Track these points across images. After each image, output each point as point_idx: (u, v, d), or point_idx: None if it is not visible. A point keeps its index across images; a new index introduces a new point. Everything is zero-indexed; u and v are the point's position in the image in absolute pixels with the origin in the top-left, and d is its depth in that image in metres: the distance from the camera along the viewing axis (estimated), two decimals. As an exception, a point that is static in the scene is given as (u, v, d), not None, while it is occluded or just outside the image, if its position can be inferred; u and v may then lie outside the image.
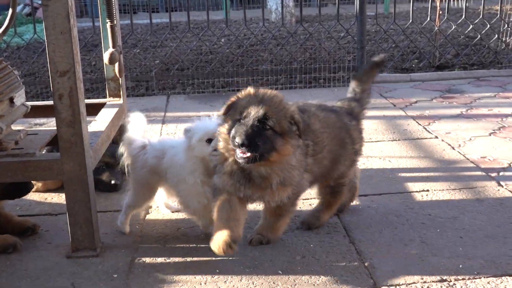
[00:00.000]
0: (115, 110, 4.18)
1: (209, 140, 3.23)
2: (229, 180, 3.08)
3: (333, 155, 3.40)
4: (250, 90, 3.05)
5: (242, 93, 3.06)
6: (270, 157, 2.94)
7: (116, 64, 4.16)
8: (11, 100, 3.43)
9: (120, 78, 4.40)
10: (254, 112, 2.91)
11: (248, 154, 2.88)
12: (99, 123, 3.91)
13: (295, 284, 2.98)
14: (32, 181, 3.63)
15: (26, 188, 3.55)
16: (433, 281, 2.97)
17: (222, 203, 3.09)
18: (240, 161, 2.93)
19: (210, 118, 3.40)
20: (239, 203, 3.13)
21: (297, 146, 3.05)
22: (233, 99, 3.07)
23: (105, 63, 4.24)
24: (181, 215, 3.77)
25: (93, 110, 4.21)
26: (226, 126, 3.03)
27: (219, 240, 2.96)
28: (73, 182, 3.20)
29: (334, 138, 3.40)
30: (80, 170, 3.18)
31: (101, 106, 4.33)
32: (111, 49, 4.05)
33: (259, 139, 2.87)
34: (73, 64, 3.05)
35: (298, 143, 3.05)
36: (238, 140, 2.85)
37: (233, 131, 2.91)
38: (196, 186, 3.29)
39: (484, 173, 4.36)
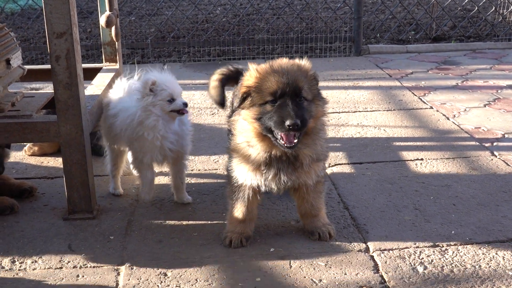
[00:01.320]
0: (112, 74, 4.17)
1: (172, 100, 3.25)
2: (259, 174, 2.91)
3: None
4: (256, 69, 2.83)
5: (256, 75, 2.80)
6: (309, 126, 2.80)
7: (113, 28, 4.13)
8: (8, 61, 3.41)
9: (116, 43, 4.37)
10: (287, 88, 2.72)
11: (296, 140, 2.75)
12: (96, 87, 3.90)
13: (289, 248, 3.02)
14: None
15: None
16: (425, 246, 3.02)
17: (240, 200, 3.02)
18: (287, 145, 2.75)
19: (165, 70, 3.37)
20: (255, 197, 3.04)
21: (326, 102, 2.94)
22: (243, 87, 2.83)
23: (102, 27, 4.21)
24: (177, 180, 3.80)
25: (90, 74, 4.19)
26: (250, 113, 2.81)
27: (232, 237, 3.02)
28: (70, 144, 3.21)
29: None
30: (77, 133, 3.19)
31: (97, 70, 4.31)
32: (108, 12, 4.02)
33: (304, 114, 2.73)
34: (70, 25, 3.03)
35: (326, 102, 2.94)
36: (289, 122, 2.65)
37: (275, 117, 2.71)
38: (154, 142, 3.27)
39: (478, 143, 4.39)
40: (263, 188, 2.98)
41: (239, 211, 3.04)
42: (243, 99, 2.83)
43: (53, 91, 3.18)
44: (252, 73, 2.83)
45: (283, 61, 2.86)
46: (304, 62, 2.88)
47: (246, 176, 2.95)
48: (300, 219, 3.20)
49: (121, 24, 8.35)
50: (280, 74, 2.75)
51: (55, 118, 3.20)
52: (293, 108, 2.70)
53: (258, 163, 2.90)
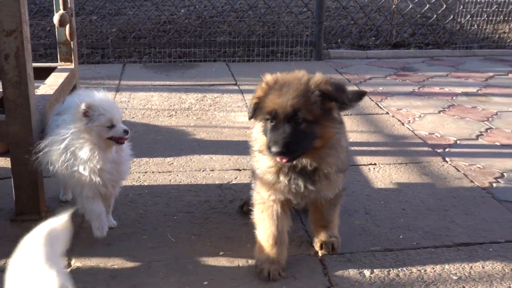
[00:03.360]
0: (66, 74, 4.11)
1: (111, 126, 2.89)
2: (278, 179, 2.76)
3: None
4: (266, 81, 2.69)
5: (264, 88, 2.67)
6: (315, 146, 2.63)
7: (67, 27, 4.08)
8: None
9: (71, 42, 4.32)
10: (281, 110, 2.56)
11: (287, 159, 2.61)
12: (48, 86, 3.84)
13: (239, 251, 3.02)
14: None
15: None
16: (374, 251, 3.05)
17: (266, 218, 2.84)
18: (283, 162, 2.64)
19: (103, 91, 3.00)
20: (284, 214, 2.87)
21: (339, 122, 2.71)
22: (255, 99, 2.70)
23: (56, 26, 4.15)
24: (130, 182, 3.77)
25: (44, 74, 4.13)
26: (260, 127, 2.76)
27: (267, 269, 2.78)
28: (18, 144, 3.15)
29: None
30: (26, 133, 3.13)
31: (51, 70, 4.24)
32: (61, 11, 3.96)
33: (295, 140, 2.55)
34: (20, 23, 2.98)
35: (339, 118, 2.71)
36: (274, 150, 2.54)
37: (267, 139, 2.61)
38: (91, 177, 2.91)
39: (430, 149, 4.47)
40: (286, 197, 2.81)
41: (267, 231, 2.87)
42: (254, 110, 2.71)
43: (1, 89, 3.13)
44: (262, 84, 2.70)
45: (294, 75, 2.67)
46: (316, 78, 2.63)
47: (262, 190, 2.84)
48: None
49: (82, 23, 8.26)
50: (279, 92, 2.58)
51: (3, 118, 3.14)
52: (282, 133, 2.55)
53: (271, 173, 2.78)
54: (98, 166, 2.90)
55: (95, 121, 2.86)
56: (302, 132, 2.57)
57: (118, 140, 2.93)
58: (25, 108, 3.10)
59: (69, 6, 4.06)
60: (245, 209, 3.40)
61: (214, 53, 7.53)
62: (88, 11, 9.45)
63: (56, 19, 3.94)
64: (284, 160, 2.60)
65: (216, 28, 8.30)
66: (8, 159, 4.02)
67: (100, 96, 2.95)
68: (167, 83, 6.25)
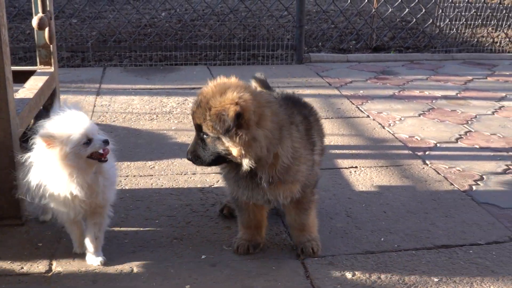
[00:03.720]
0: (46, 78, 4.08)
1: (89, 141, 2.64)
2: (231, 184, 2.92)
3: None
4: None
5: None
6: (231, 159, 2.69)
7: (46, 30, 4.05)
8: None
9: (51, 45, 4.29)
10: (193, 121, 2.73)
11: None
12: (28, 90, 3.80)
13: (221, 255, 3.02)
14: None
15: None
16: (355, 253, 3.07)
17: (241, 207, 3.03)
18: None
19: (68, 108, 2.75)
20: (256, 206, 3.01)
21: (252, 139, 2.62)
22: None
23: (35, 29, 4.12)
24: (111, 186, 3.75)
25: (23, 77, 4.09)
26: None
27: (239, 244, 3.03)
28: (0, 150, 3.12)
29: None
30: (5, 137, 3.10)
31: (31, 73, 4.21)
32: (40, 14, 3.93)
33: (199, 151, 2.72)
34: (-1, 27, 2.96)
35: (254, 135, 2.62)
36: (187, 156, 2.80)
37: None
38: (70, 199, 2.75)
39: (411, 152, 4.50)
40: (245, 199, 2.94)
41: (242, 218, 3.08)
42: None
43: (-19, 93, 3.10)
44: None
45: (205, 89, 2.70)
46: (230, 95, 2.59)
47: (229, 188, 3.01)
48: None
49: (62, 26, 8.20)
50: (194, 102, 2.73)
51: (-17, 122, 3.11)
52: (192, 143, 2.77)
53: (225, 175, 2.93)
54: (74, 193, 2.70)
55: (68, 143, 2.60)
56: (207, 145, 2.69)
57: (100, 158, 2.69)
58: (4, 112, 3.07)
59: (48, 9, 4.03)
60: (225, 212, 3.40)
61: (195, 56, 7.52)
62: (68, 14, 9.38)
63: (35, 22, 3.91)
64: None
65: (197, 31, 8.29)
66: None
67: (64, 116, 2.68)
68: (148, 86, 6.23)
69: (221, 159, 2.72)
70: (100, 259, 2.91)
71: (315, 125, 3.08)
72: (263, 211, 3.07)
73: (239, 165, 2.70)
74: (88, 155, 2.65)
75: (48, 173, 2.71)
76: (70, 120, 2.65)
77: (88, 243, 2.91)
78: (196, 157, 2.75)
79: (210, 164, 2.78)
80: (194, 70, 7.02)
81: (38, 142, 2.67)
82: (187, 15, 9.08)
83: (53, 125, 2.65)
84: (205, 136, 2.68)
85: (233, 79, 2.77)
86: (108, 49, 7.49)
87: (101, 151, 2.68)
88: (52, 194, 2.76)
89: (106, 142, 2.67)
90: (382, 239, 3.22)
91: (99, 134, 2.70)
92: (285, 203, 2.95)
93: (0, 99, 3.05)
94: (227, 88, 2.64)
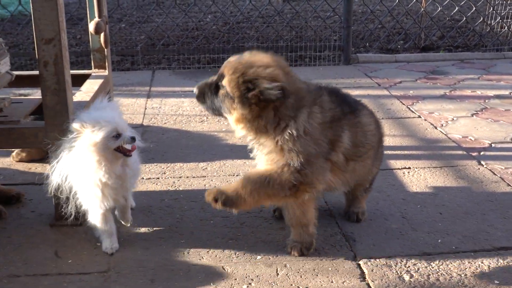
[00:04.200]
0: (100, 81, 4.17)
1: (118, 135, 2.85)
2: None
3: (374, 158, 3.22)
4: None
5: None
6: (228, 116, 2.81)
7: (102, 35, 4.14)
8: (-4, 67, 3.41)
9: (105, 49, 4.38)
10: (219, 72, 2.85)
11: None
12: (84, 93, 3.90)
13: (277, 255, 3.02)
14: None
15: None
16: (412, 255, 3.03)
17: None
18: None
19: (108, 105, 3.02)
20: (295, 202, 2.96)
21: (257, 116, 2.72)
22: None
23: (91, 33, 4.21)
24: (165, 187, 3.80)
25: (78, 81, 4.19)
26: None
27: (292, 245, 3.03)
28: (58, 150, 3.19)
29: (378, 141, 3.24)
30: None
31: (86, 77, 4.31)
32: (96, 19, 4.02)
33: (207, 92, 2.83)
34: (59, 31, 3.03)
35: (255, 112, 2.71)
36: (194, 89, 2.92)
37: None
38: (100, 187, 2.93)
39: (465, 152, 4.42)
40: None
41: (285, 216, 3.08)
42: None
43: (41, 97, 3.18)
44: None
45: (261, 55, 2.82)
46: (269, 67, 2.72)
47: None
48: None
49: (111, 31, 8.35)
50: (234, 56, 2.87)
51: (43, 124, 3.19)
52: (206, 81, 2.92)
53: None
54: (104, 180, 2.89)
55: (100, 133, 2.82)
56: (217, 94, 2.79)
57: (126, 152, 2.90)
58: (64, 115, 3.14)
59: (104, 14, 4.11)
60: (277, 214, 3.42)
61: (243, 58, 7.54)
62: (116, 19, 9.55)
63: (92, 27, 4.00)
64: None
65: (244, 33, 8.33)
66: (45, 164, 4.10)
67: (101, 109, 2.94)
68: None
69: (218, 110, 2.83)
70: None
71: (351, 123, 2.99)
72: (306, 207, 2.95)
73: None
74: (115, 148, 2.87)
75: (78, 162, 2.90)
76: (104, 114, 2.88)
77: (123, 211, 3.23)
78: (201, 94, 2.86)
79: (208, 107, 2.87)
80: (241, 72, 7.04)
81: (71, 131, 2.89)
82: (233, 17, 9.12)
83: (87, 116, 2.89)
84: (221, 86, 2.77)
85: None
86: (157, 53, 7.59)
87: (129, 146, 2.91)
88: (83, 184, 2.95)
89: (133, 139, 2.90)
90: (439, 240, 3.17)
91: (129, 131, 2.92)
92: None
93: (60, 102, 3.12)
94: (275, 64, 2.74)
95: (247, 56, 2.79)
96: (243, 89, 2.69)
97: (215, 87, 2.81)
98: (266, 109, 2.72)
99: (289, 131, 2.74)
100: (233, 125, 2.83)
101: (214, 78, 2.84)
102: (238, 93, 2.70)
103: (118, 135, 2.85)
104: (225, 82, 2.74)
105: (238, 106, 2.72)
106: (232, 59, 2.80)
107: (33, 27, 3.03)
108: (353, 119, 3.03)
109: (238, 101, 2.71)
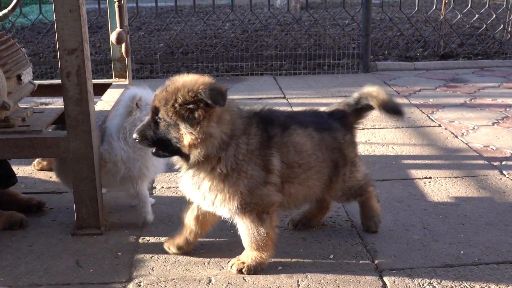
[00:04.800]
0: (121, 90, 4.19)
1: None
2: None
3: (325, 176, 3.11)
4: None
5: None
6: (181, 150, 2.73)
7: (123, 45, 4.16)
8: (19, 77, 3.44)
9: (126, 59, 4.40)
10: (151, 105, 2.79)
11: (153, 149, 2.83)
12: (105, 102, 3.92)
13: (297, 266, 3.01)
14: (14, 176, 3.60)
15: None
16: (434, 266, 3.00)
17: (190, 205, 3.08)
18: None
19: (147, 87, 3.44)
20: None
21: (205, 134, 2.67)
22: None
23: (112, 43, 4.24)
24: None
25: (99, 90, 4.21)
26: None
27: (168, 240, 3.14)
28: (79, 160, 3.22)
29: (324, 160, 3.09)
30: (86, 149, 3.20)
31: (106, 86, 4.34)
32: (118, 29, 4.05)
33: (149, 132, 2.75)
34: (81, 42, 3.06)
35: (209, 131, 2.67)
36: (133, 135, 2.88)
37: None
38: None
39: (486, 162, 4.38)
40: None
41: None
42: None
43: (62, 106, 3.21)
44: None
45: (190, 77, 2.77)
46: (198, 84, 2.67)
47: None
48: None
49: (130, 39, 8.39)
50: (161, 88, 2.81)
51: (65, 134, 3.21)
52: (142, 124, 2.86)
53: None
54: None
55: (143, 111, 3.27)
56: (160, 129, 2.72)
57: None
58: (86, 125, 3.17)
59: (125, 24, 4.14)
60: (290, 226, 3.43)
61: (261, 66, 7.56)
62: (135, 27, 9.62)
63: (113, 37, 4.03)
64: (153, 151, 2.84)
65: (262, 41, 8.34)
66: (66, 174, 4.12)
67: (145, 90, 3.37)
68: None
69: (166, 146, 2.76)
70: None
71: (278, 143, 2.91)
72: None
73: (186, 159, 2.76)
74: None
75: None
76: (149, 95, 3.28)
77: None
78: (143, 137, 2.78)
79: (153, 145, 2.80)
80: (260, 80, 7.06)
81: (130, 100, 3.32)
82: (251, 25, 9.15)
83: (142, 92, 3.35)
84: (159, 120, 2.72)
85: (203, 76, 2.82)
86: (176, 61, 7.63)
87: None
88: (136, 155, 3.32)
89: None
90: (462, 252, 3.14)
91: None
92: (224, 214, 2.93)
93: (82, 112, 3.14)
94: (198, 78, 2.74)
95: (171, 83, 2.74)
96: (184, 110, 2.65)
97: (155, 124, 2.74)
98: (212, 120, 2.67)
99: (219, 170, 2.76)
100: (187, 152, 2.73)
101: (147, 117, 2.80)
102: (181, 115, 2.66)
103: None
104: (162, 114, 2.69)
105: (186, 128, 2.66)
106: (158, 92, 2.75)
107: (56, 37, 3.06)
108: (281, 140, 2.94)
109: (184, 123, 2.66)
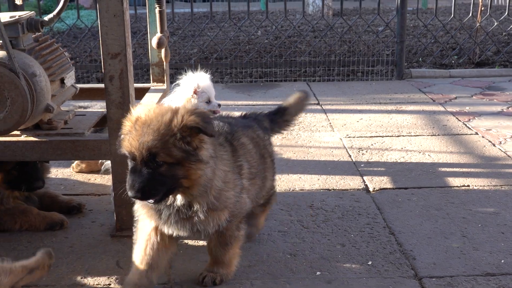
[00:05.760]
0: (159, 94, 4.24)
1: (209, 102, 3.94)
2: (153, 213, 2.74)
3: (262, 173, 3.08)
4: (129, 118, 2.62)
5: (128, 123, 2.60)
6: (182, 186, 2.57)
7: (163, 49, 4.21)
8: (62, 80, 3.51)
9: (164, 63, 4.45)
10: (137, 153, 2.48)
11: (152, 200, 2.59)
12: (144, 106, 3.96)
13: (336, 272, 3.01)
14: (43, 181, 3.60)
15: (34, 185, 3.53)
16: (475, 275, 2.97)
17: (144, 237, 2.84)
18: (150, 204, 2.66)
19: (204, 75, 4.01)
20: (162, 240, 2.82)
21: (207, 159, 2.59)
22: (121, 133, 2.63)
23: (152, 48, 4.30)
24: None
25: (138, 94, 4.24)
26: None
27: (128, 283, 2.82)
28: (120, 163, 3.25)
29: (260, 157, 3.07)
30: (127, 152, 3.23)
31: (145, 90, 4.38)
32: (159, 34, 4.11)
33: (152, 184, 2.50)
34: (125, 46, 3.11)
35: (208, 156, 2.59)
36: (130, 194, 2.53)
37: (127, 179, 2.56)
38: None
39: (526, 171, 4.33)
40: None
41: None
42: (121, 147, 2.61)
43: (102, 109, 3.26)
44: (126, 121, 2.63)
45: (157, 112, 2.56)
46: (180, 114, 2.52)
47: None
48: None
49: (165, 44, 8.49)
50: (137, 133, 2.50)
51: (107, 137, 3.26)
52: (138, 177, 2.50)
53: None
54: None
55: (199, 97, 3.87)
56: (162, 175, 2.50)
57: (214, 112, 3.77)
58: (128, 128, 3.20)
59: (165, 29, 4.19)
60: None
61: (294, 72, 7.57)
62: (169, 32, 9.69)
63: (154, 41, 4.08)
64: (150, 201, 2.59)
65: (296, 48, 8.35)
66: (104, 175, 4.19)
67: (202, 78, 3.94)
68: (250, 102, 6.33)
69: (170, 188, 2.56)
70: None
71: (240, 148, 2.90)
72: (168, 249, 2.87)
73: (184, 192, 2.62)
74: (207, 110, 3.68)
75: None
76: (205, 83, 3.95)
77: None
78: (146, 192, 2.52)
79: (162, 198, 2.59)
80: (293, 87, 7.06)
81: (190, 86, 3.93)
82: (284, 31, 9.16)
83: (200, 80, 3.94)
84: (158, 165, 2.49)
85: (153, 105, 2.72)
86: (210, 66, 7.66)
87: (215, 109, 3.95)
88: None
89: (219, 105, 4.04)
90: (503, 261, 3.10)
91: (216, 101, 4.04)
92: (211, 233, 2.79)
93: (124, 116, 3.14)
94: (165, 110, 2.58)
95: (143, 125, 2.52)
96: (184, 144, 2.51)
97: (153, 172, 2.50)
98: (205, 143, 2.58)
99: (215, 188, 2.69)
100: (192, 185, 2.59)
101: (142, 169, 2.49)
102: (182, 151, 2.51)
103: (209, 101, 3.95)
104: (161, 158, 2.49)
105: (191, 162, 2.53)
106: (135, 138, 2.50)
107: (100, 42, 3.12)
108: (239, 144, 2.93)
109: (188, 157, 2.53)
